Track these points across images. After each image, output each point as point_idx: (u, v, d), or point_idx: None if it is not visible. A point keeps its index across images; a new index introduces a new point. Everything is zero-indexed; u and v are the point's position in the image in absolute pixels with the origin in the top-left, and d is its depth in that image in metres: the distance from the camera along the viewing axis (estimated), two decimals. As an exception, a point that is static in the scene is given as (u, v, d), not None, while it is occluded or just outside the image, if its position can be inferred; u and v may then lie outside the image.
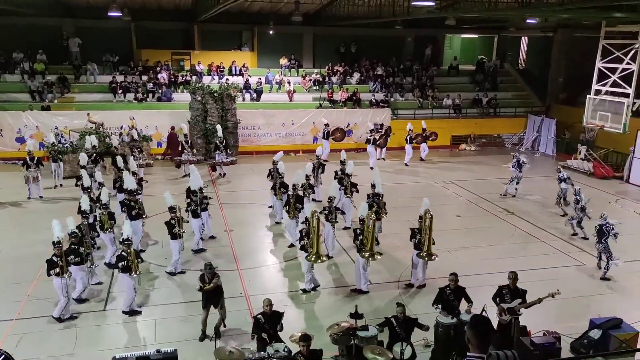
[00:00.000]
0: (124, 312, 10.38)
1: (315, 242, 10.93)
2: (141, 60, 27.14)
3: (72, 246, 10.59)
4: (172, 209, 12.23)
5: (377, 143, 23.30)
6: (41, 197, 17.37)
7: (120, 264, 10.14)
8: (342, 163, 16.68)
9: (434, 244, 11.48)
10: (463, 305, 9.21)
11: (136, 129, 21.27)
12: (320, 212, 12.76)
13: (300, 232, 11.68)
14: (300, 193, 14.33)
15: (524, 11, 18.90)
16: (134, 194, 13.45)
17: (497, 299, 9.17)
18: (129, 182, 13.78)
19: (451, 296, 9.11)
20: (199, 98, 22.42)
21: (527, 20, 24.30)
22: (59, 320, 10.06)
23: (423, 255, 11.36)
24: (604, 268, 12.33)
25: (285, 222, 14.50)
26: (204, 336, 9.52)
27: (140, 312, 10.47)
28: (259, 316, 8.49)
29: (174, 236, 12.00)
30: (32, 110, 22.52)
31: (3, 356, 7.40)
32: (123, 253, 10.24)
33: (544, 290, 9.27)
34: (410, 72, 29.96)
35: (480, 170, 22.68)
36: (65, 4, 26.14)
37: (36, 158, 17.33)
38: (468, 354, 3.99)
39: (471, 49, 35.54)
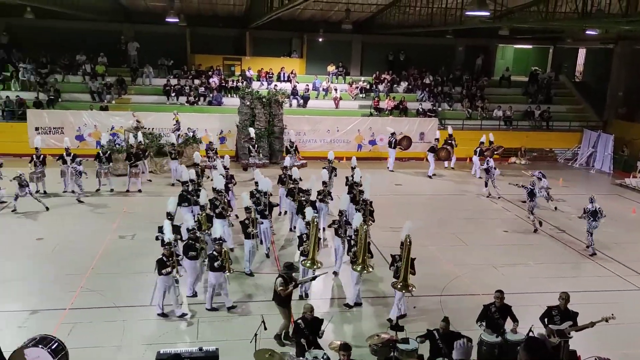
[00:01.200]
0: (207, 309, 10.76)
1: (312, 248, 10.83)
2: (194, 65, 27.85)
3: (190, 242, 11.06)
4: (247, 209, 12.52)
5: (440, 155, 22.94)
6: (73, 192, 17.85)
7: (215, 264, 10.36)
8: (352, 169, 16.56)
9: (413, 274, 10.12)
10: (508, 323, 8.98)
11: (178, 132, 21.83)
12: (329, 226, 12.99)
13: (300, 236, 11.77)
14: (318, 200, 14.54)
15: (583, 22, 18.28)
16: (221, 194, 13.67)
17: (546, 320, 8.83)
18: (218, 182, 14.13)
19: (496, 314, 8.87)
20: (248, 103, 22.80)
21: (587, 32, 23.54)
22: (162, 315, 10.42)
23: (397, 287, 10.06)
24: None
25: (299, 227, 13.87)
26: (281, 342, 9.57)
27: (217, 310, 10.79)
28: (299, 321, 8.52)
29: (247, 236, 12.29)
30: (92, 110, 23.49)
31: (56, 343, 7.73)
32: (214, 252, 10.50)
33: (595, 313, 8.88)
34: (460, 82, 29.53)
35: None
36: (125, 10, 27.19)
37: (72, 154, 18.02)
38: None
39: (524, 59, 34.73)
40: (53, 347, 7.66)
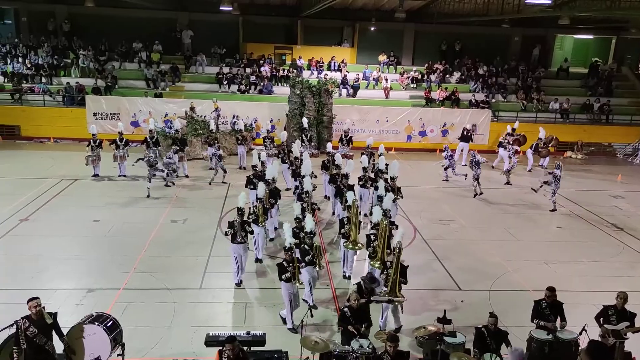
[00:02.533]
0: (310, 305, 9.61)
1: (353, 230, 11.17)
2: (246, 53, 28.17)
3: (303, 246, 10.28)
4: (307, 193, 12.97)
5: (539, 152, 22.35)
6: (125, 175, 18.62)
7: (307, 258, 9.92)
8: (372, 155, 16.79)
9: (404, 282, 9.44)
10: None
11: (242, 119, 22.17)
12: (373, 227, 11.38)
13: (342, 219, 11.93)
14: (359, 186, 14.82)
15: (649, 11, 17.41)
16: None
17: (601, 320, 8.50)
18: (306, 168, 14.35)
19: (547, 310, 8.62)
20: (298, 92, 22.89)
21: (652, 21, 22.36)
22: (293, 330, 9.55)
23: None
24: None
25: (338, 212, 14.21)
26: None
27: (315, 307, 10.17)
28: (345, 309, 8.53)
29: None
30: (147, 96, 24.17)
31: (112, 321, 8.04)
32: (305, 247, 10.13)
33: (654, 315, 8.52)
34: (515, 73, 28.69)
35: (586, 180, 21.28)
36: (180, -2, 27.77)
37: (125, 139, 18.62)
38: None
39: (584, 50, 33.34)
40: (108, 324, 7.96)
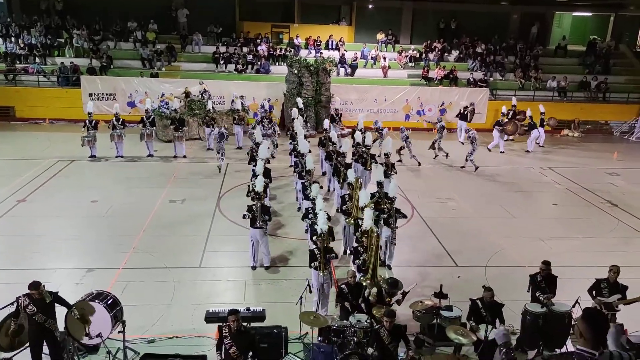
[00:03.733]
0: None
1: (355, 207, 11.32)
2: (243, 32, 27.95)
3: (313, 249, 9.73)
4: (308, 172, 13.05)
5: (504, 129, 22.34)
6: (122, 156, 18.65)
7: (312, 264, 9.42)
8: (362, 132, 16.69)
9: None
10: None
11: (240, 99, 22.09)
12: (377, 216, 11.00)
13: (343, 197, 12.20)
14: (353, 161, 15.08)
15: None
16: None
17: (594, 292, 8.70)
18: (303, 145, 14.49)
19: (543, 283, 8.78)
20: (296, 71, 22.78)
21: (651, -2, 22.23)
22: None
23: (365, 283, 9.01)
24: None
25: (338, 191, 14.16)
26: None
27: None
28: (343, 286, 8.67)
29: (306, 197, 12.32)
30: (143, 76, 24.04)
31: (112, 299, 8.14)
32: (315, 250, 9.44)
33: (645, 288, 8.68)
34: (513, 51, 28.60)
35: (582, 158, 21.38)
36: (175, -24, 27.42)
37: (122, 119, 18.61)
38: (578, 347, 3.84)
39: (582, 28, 33.15)
40: (109, 302, 8.05)
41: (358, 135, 16.23)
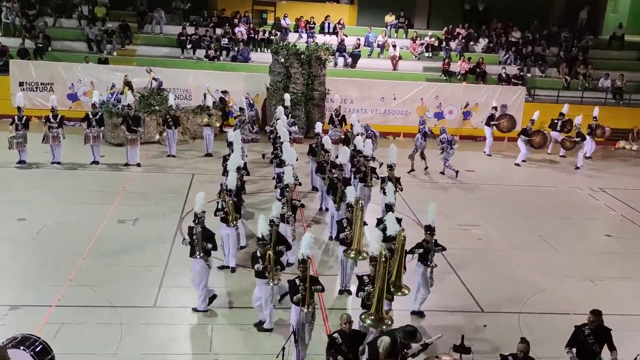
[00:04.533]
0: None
1: (357, 235, 11.31)
2: (216, 10, 28.09)
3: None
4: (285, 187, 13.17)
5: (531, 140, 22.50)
6: (59, 162, 18.60)
7: (295, 298, 9.50)
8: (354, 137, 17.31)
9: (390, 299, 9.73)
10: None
11: (211, 94, 22.13)
12: (411, 251, 11.14)
13: (340, 221, 12.06)
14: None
15: None
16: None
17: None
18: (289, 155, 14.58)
19: (590, 338, 8.72)
20: (282, 60, 22.86)
21: None
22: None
23: (367, 321, 9.27)
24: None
25: (333, 212, 14.32)
26: None
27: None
28: (336, 335, 8.59)
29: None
30: (88, 62, 24.05)
31: (41, 345, 8.02)
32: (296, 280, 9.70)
33: None
34: (557, 41, 28.88)
35: (643, 177, 21.57)
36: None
37: (59, 115, 18.49)
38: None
39: (644, 14, 33.55)
40: (37, 349, 7.93)
41: (359, 141, 16.25)
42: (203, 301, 11.02)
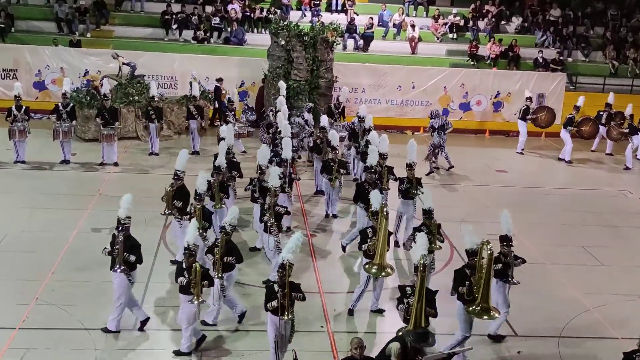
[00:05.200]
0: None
1: (381, 247, 11.27)
2: (206, -16, 28.16)
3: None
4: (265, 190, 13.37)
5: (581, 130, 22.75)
6: (24, 161, 18.61)
7: (268, 305, 9.80)
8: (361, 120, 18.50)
9: (433, 314, 9.74)
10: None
11: (199, 82, 22.15)
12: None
13: (364, 230, 12.07)
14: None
15: None
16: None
17: None
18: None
19: (642, 367, 8.76)
20: (283, 42, 22.87)
21: None
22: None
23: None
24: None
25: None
26: None
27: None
28: (346, 361, 8.63)
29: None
30: (58, 45, 24.12)
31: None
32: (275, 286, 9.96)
33: None
34: (603, 20, 28.88)
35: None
36: None
37: (24, 107, 18.44)
38: None
39: None
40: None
41: (374, 137, 16.33)
42: (116, 321, 10.93)
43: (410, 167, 14.73)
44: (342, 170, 15.37)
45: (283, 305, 9.51)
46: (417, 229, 11.98)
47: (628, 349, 9.12)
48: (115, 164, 19.07)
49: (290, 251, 9.77)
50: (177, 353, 10.46)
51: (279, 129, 17.16)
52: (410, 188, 14.44)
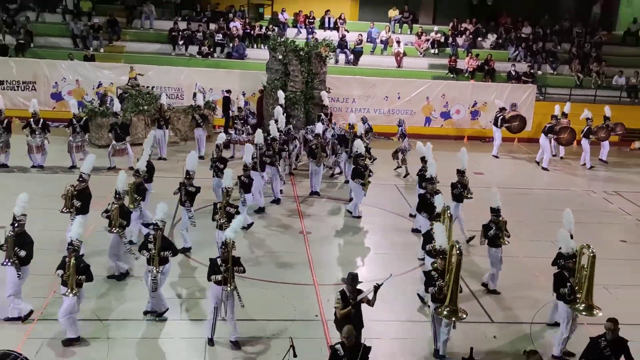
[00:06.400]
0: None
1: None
2: (210, 4, 28.11)
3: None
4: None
5: (559, 138, 22.74)
6: (41, 166, 18.58)
7: (213, 277, 10.29)
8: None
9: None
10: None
11: (202, 92, 22.10)
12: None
13: (427, 233, 12.05)
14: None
15: None
16: None
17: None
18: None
19: (607, 350, 8.72)
20: (280, 57, 22.84)
21: None
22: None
23: (444, 313, 9.81)
24: None
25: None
26: None
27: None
28: (338, 346, 8.58)
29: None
30: (73, 60, 24.01)
31: (22, 362, 7.97)
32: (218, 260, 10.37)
33: None
34: (569, 37, 28.96)
35: (660, 180, 21.55)
36: None
37: (42, 120, 18.32)
38: None
39: (660, 8, 33.60)
40: (18, 366, 7.90)
41: (359, 144, 16.49)
42: (11, 311, 10.79)
43: (461, 173, 14.97)
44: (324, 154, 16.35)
45: (225, 277, 10.00)
46: (486, 226, 12.62)
47: (594, 334, 9.09)
48: (130, 169, 18.96)
49: (233, 231, 10.37)
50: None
51: (272, 136, 17.11)
52: (462, 192, 14.74)
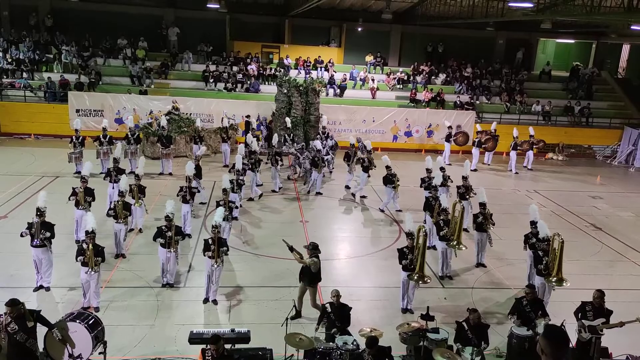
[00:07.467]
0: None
1: (457, 230, 11.47)
2: (233, 52, 28.05)
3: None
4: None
5: (485, 147, 22.90)
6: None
7: (206, 254, 10.28)
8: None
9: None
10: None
11: (228, 118, 22.08)
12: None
13: (437, 223, 12.04)
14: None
15: (629, 16, 17.60)
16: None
17: (579, 315, 8.68)
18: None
19: (528, 307, 8.76)
20: (285, 91, 22.83)
21: (632, 27, 22.65)
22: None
23: (414, 277, 10.01)
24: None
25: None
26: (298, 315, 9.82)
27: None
28: (327, 305, 8.60)
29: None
30: (131, 93, 23.93)
31: (93, 319, 7.94)
32: (209, 240, 10.28)
33: (628, 312, 8.72)
34: (499, 75, 28.98)
35: (567, 182, 21.58)
36: (167, -5, 27.55)
37: (109, 136, 18.42)
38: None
39: (566, 54, 33.80)
40: (90, 322, 7.86)
41: (429, 162, 16.58)
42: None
43: (465, 178, 14.83)
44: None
45: (214, 255, 10.06)
46: (476, 215, 12.68)
47: (518, 296, 9.13)
48: (170, 174, 18.93)
49: (220, 217, 10.64)
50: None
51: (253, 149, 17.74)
52: (465, 192, 14.59)
